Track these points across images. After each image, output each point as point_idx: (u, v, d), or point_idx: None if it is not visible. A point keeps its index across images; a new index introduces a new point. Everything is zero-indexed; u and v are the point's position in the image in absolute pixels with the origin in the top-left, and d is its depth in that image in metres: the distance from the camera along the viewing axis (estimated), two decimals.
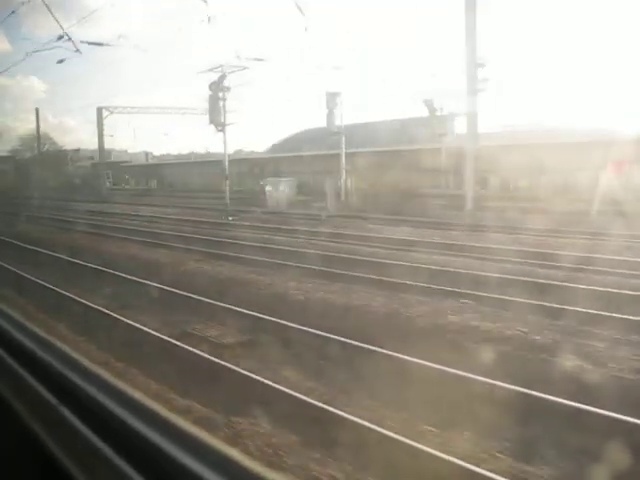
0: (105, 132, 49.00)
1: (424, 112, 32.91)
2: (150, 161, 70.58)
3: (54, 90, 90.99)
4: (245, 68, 30.33)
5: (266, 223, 20.59)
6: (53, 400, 1.16)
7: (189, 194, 41.70)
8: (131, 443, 0.98)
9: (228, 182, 30.87)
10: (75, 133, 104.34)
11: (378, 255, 12.54)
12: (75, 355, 1.31)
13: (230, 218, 23.71)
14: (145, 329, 7.60)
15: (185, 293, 9.48)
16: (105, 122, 48.48)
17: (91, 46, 27.30)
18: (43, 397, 1.19)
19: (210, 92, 29.63)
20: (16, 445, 1.19)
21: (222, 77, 29.65)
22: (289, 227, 18.83)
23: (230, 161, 34.78)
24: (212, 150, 59.29)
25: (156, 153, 75.58)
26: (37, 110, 57.66)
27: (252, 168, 42.98)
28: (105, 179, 56.64)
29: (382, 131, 35.77)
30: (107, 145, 55.99)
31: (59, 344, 1.40)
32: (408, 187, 27.05)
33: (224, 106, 29.44)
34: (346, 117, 32.63)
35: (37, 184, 55.14)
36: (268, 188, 30.96)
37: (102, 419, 1.06)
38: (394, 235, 15.66)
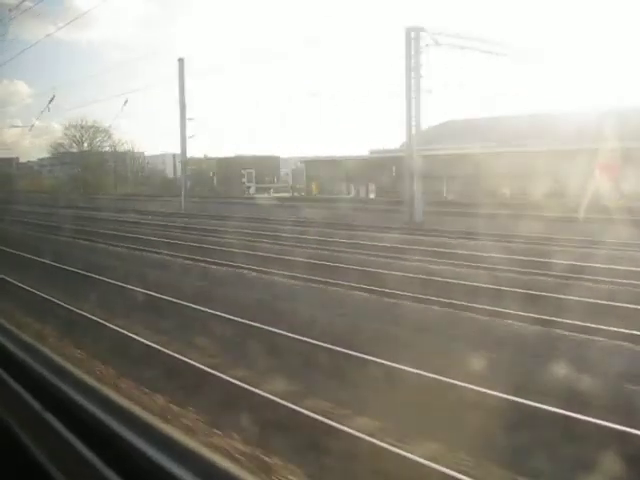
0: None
1: None
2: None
3: (41, 94, 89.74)
4: None
5: None
6: (37, 406, 1.16)
7: None
8: (116, 448, 0.97)
9: None
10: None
11: None
12: (60, 361, 1.31)
13: None
14: None
15: None
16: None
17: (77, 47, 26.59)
18: (27, 403, 1.18)
19: None
20: None
21: None
22: None
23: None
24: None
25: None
26: (181, 62, 32.69)
27: None
28: (248, 182, 45.54)
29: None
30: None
31: (44, 350, 1.39)
32: None
33: None
34: None
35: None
36: None
37: (87, 425, 1.05)
38: None
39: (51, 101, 26.03)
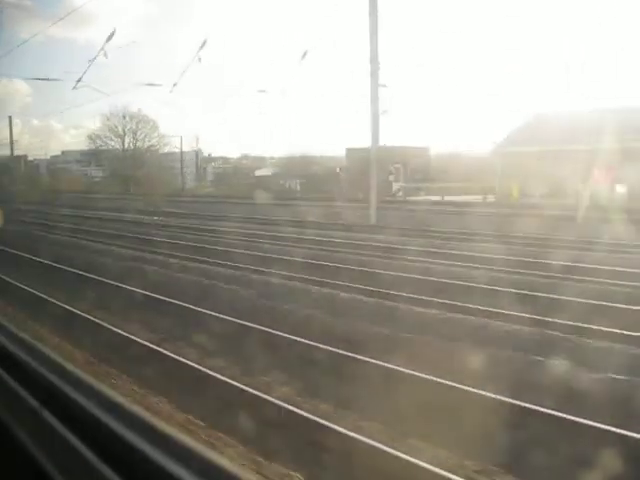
0: None
1: None
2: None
3: (40, 93, 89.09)
4: None
5: None
6: (35, 404, 1.15)
7: None
8: (114, 448, 0.97)
9: None
10: (62, 136, 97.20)
11: None
12: (58, 358, 1.30)
13: None
14: None
15: None
16: None
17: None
18: (25, 401, 1.18)
19: None
20: None
21: None
22: None
23: None
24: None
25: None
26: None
27: None
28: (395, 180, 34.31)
29: None
30: None
31: (42, 347, 1.39)
32: None
33: None
34: None
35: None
36: None
37: (85, 423, 1.05)
38: None
39: (202, 47, 19.41)
